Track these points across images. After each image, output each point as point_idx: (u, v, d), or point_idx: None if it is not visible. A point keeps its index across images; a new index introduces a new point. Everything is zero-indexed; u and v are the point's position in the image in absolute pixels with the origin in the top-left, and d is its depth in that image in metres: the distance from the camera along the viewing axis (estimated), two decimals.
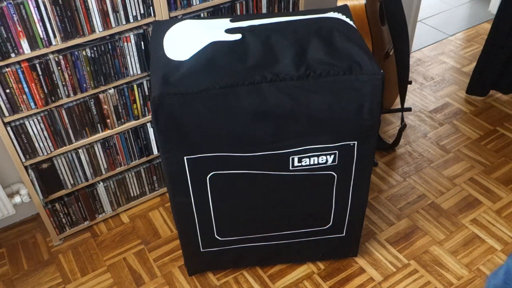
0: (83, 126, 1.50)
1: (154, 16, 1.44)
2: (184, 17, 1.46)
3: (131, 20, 1.40)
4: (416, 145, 1.99)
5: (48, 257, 1.64)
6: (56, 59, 1.34)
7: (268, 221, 1.39)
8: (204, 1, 1.50)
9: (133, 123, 1.59)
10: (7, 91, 1.32)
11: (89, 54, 1.38)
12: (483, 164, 1.88)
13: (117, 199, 1.73)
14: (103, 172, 1.63)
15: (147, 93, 1.55)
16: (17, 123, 1.38)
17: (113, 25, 1.38)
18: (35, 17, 1.25)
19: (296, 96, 1.12)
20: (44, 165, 1.50)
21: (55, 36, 1.31)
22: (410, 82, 2.00)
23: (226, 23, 1.28)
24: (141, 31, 1.43)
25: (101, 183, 1.65)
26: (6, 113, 1.35)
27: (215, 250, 1.45)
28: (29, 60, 1.32)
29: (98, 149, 1.57)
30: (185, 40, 1.23)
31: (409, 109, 2.01)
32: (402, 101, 1.91)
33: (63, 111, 1.43)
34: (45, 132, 1.44)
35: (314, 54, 1.16)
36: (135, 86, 1.51)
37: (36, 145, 1.44)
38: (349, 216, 1.40)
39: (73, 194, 1.62)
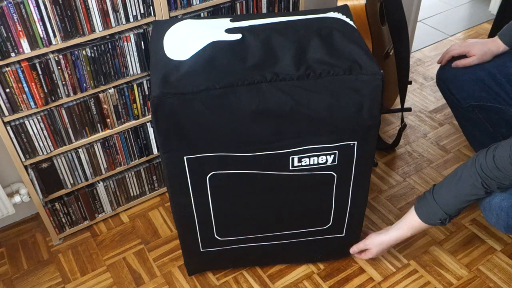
0: (83, 125, 1.50)
1: (154, 15, 1.44)
2: (184, 16, 1.46)
3: (131, 20, 1.40)
4: (416, 145, 1.99)
5: (48, 256, 1.64)
6: (56, 59, 1.34)
7: (268, 221, 1.39)
8: (204, 1, 1.50)
9: (133, 123, 1.59)
10: (7, 90, 1.32)
11: (89, 54, 1.38)
12: None
13: (117, 198, 1.73)
14: (103, 171, 1.63)
15: (147, 93, 1.55)
16: (17, 122, 1.38)
17: (113, 24, 1.38)
18: (35, 16, 1.25)
19: (296, 96, 1.12)
20: (44, 165, 1.50)
21: (55, 36, 1.31)
22: (410, 82, 2.00)
23: (226, 23, 1.28)
24: (141, 30, 1.43)
25: (101, 183, 1.65)
26: (6, 113, 1.35)
27: (215, 250, 1.45)
28: (29, 59, 1.32)
29: (98, 148, 1.57)
30: (185, 40, 1.23)
31: (409, 109, 2.02)
32: (402, 101, 1.91)
33: (63, 111, 1.43)
34: (45, 132, 1.44)
35: (314, 54, 1.16)
36: (135, 86, 1.51)
37: (36, 144, 1.44)
38: (349, 216, 1.40)
39: (73, 193, 1.62)
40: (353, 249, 1.51)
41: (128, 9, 1.38)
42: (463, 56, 1.55)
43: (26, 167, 1.49)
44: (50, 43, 1.31)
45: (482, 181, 1.20)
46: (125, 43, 1.42)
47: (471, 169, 1.23)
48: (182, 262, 1.58)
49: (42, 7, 1.25)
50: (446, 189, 1.30)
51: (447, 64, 1.60)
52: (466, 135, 1.72)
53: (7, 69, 1.29)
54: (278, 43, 1.19)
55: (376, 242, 1.44)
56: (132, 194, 1.76)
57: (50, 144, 1.47)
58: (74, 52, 1.35)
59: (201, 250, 1.44)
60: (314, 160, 1.24)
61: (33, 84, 1.34)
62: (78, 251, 1.65)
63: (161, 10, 1.43)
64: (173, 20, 1.33)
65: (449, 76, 1.59)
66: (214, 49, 1.18)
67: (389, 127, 2.09)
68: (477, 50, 1.50)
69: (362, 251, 1.51)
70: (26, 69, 1.31)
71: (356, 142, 1.22)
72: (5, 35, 1.24)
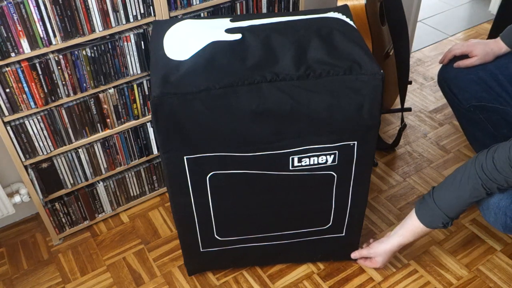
0: (83, 125, 1.50)
1: (154, 15, 1.44)
2: (184, 16, 1.46)
3: (131, 20, 1.40)
4: (416, 145, 1.99)
5: (48, 256, 1.64)
6: (56, 59, 1.34)
7: (268, 221, 1.39)
8: (204, 1, 1.50)
9: (133, 123, 1.59)
10: (7, 90, 1.32)
11: (89, 54, 1.38)
12: None
13: (116, 198, 1.73)
14: (103, 171, 1.63)
15: (147, 93, 1.55)
16: (17, 122, 1.38)
17: (113, 24, 1.38)
18: (35, 16, 1.25)
19: (296, 96, 1.12)
20: (44, 165, 1.50)
21: (55, 36, 1.31)
22: (410, 82, 2.00)
23: (226, 23, 1.28)
24: (141, 30, 1.43)
25: (101, 183, 1.65)
26: (6, 113, 1.35)
27: (215, 250, 1.45)
28: (29, 59, 1.32)
29: (98, 148, 1.57)
30: (185, 40, 1.23)
31: (409, 109, 2.02)
32: (402, 101, 1.91)
33: (63, 111, 1.43)
34: (45, 132, 1.44)
35: (314, 54, 1.16)
36: (135, 86, 1.51)
37: (36, 144, 1.44)
38: (349, 216, 1.40)
39: (73, 193, 1.62)
40: (355, 255, 1.51)
41: (128, 9, 1.38)
42: (465, 56, 1.55)
43: (26, 167, 1.49)
44: (50, 43, 1.31)
45: (482, 182, 1.20)
46: (125, 43, 1.42)
47: (471, 171, 1.23)
48: (182, 262, 1.58)
49: (42, 7, 1.25)
50: (446, 192, 1.29)
51: (449, 64, 1.60)
52: (467, 135, 1.72)
53: (7, 69, 1.29)
54: (278, 43, 1.19)
55: (379, 251, 1.45)
56: (132, 194, 1.76)
57: (50, 144, 1.47)
58: (74, 52, 1.35)
59: (201, 250, 1.44)
60: (314, 160, 1.24)
61: (33, 84, 1.34)
62: (78, 251, 1.65)
63: (161, 10, 1.43)
64: (173, 20, 1.33)
65: (451, 76, 1.59)
66: (214, 49, 1.18)
67: (389, 127, 2.09)
68: (480, 50, 1.51)
69: (366, 259, 1.51)
70: (26, 69, 1.31)
71: (356, 142, 1.22)
72: (5, 35, 1.24)
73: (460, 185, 1.25)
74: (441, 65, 1.65)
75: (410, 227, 1.37)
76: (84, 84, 1.42)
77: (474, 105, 1.55)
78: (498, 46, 1.50)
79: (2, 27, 1.22)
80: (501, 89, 1.49)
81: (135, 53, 1.45)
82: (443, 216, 1.29)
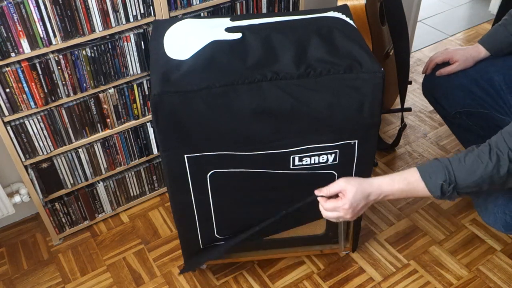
0: (83, 125, 1.50)
1: (154, 15, 1.44)
2: (184, 16, 1.46)
3: (131, 20, 1.40)
4: (416, 145, 1.99)
5: (48, 256, 1.64)
6: (56, 59, 1.34)
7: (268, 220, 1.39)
8: (204, 1, 1.51)
9: (133, 123, 1.59)
10: (7, 90, 1.32)
11: (89, 54, 1.38)
12: None
13: (117, 198, 1.73)
14: (103, 171, 1.63)
15: (147, 93, 1.55)
16: (17, 122, 1.38)
17: (113, 24, 1.38)
18: (35, 16, 1.25)
19: (297, 95, 1.12)
20: (44, 165, 1.50)
21: (55, 36, 1.31)
22: (410, 82, 2.00)
23: (226, 22, 1.28)
24: (141, 30, 1.43)
25: (101, 183, 1.65)
26: (6, 113, 1.35)
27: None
28: (29, 59, 1.32)
29: (98, 148, 1.57)
30: (185, 39, 1.23)
31: (409, 109, 2.02)
32: (402, 101, 1.91)
33: (63, 111, 1.43)
34: (45, 132, 1.44)
35: (314, 52, 1.16)
36: (135, 86, 1.51)
37: (36, 144, 1.44)
38: None
39: (73, 193, 1.62)
40: (323, 191, 1.16)
41: (128, 9, 1.38)
42: (446, 64, 1.55)
43: (26, 167, 1.49)
44: (50, 43, 1.31)
45: (509, 150, 1.05)
46: (125, 43, 1.42)
47: (498, 140, 1.08)
48: (182, 262, 1.58)
49: (42, 7, 1.25)
50: (464, 155, 1.10)
51: (431, 73, 1.60)
52: (459, 140, 1.72)
53: (7, 69, 1.29)
54: (278, 42, 1.19)
55: (353, 182, 1.14)
56: (132, 194, 1.76)
57: (50, 144, 1.47)
58: (74, 52, 1.35)
59: (202, 248, 1.44)
60: (314, 159, 1.23)
61: (33, 84, 1.34)
62: (78, 251, 1.65)
63: (161, 10, 1.44)
64: (173, 20, 1.33)
65: (434, 84, 1.59)
66: (214, 48, 1.18)
67: (389, 127, 2.09)
68: (460, 56, 1.52)
69: (329, 198, 1.16)
70: (26, 69, 1.31)
71: (356, 141, 1.22)
72: (5, 35, 1.24)
73: (483, 153, 1.08)
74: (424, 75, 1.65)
75: (404, 174, 1.13)
76: (84, 84, 1.42)
77: (459, 111, 1.55)
78: (477, 51, 1.51)
79: (2, 27, 1.23)
80: (483, 93, 1.49)
81: (135, 53, 1.45)
82: (449, 170, 1.07)
